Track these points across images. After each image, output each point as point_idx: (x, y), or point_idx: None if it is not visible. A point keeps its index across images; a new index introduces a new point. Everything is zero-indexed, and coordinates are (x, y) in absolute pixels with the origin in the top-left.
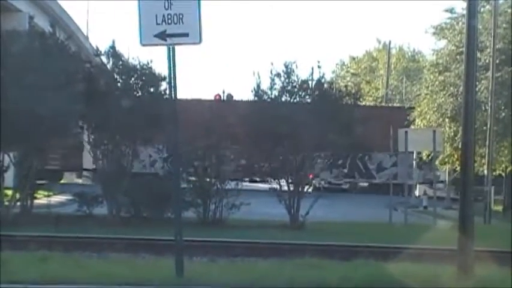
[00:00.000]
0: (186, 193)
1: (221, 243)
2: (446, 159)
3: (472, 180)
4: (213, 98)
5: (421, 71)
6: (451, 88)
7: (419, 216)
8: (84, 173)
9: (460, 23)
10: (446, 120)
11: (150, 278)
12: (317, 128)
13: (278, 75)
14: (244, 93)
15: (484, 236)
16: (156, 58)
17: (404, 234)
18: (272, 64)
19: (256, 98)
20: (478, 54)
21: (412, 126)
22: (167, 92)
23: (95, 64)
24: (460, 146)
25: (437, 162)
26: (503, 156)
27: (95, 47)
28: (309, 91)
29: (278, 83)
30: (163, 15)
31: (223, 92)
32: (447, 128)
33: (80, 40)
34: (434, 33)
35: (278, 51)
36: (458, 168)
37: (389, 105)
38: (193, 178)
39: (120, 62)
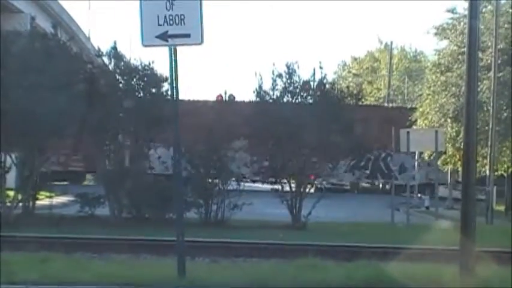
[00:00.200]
0: (187, 193)
1: (223, 243)
2: (448, 160)
3: (474, 180)
4: (214, 98)
5: (423, 71)
6: (453, 88)
7: (422, 216)
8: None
9: (462, 23)
10: (448, 120)
11: (152, 278)
12: (319, 129)
13: (280, 75)
14: (246, 94)
15: (486, 236)
16: (158, 59)
17: (407, 234)
18: (274, 65)
19: (258, 99)
20: (480, 55)
21: (414, 127)
22: (169, 92)
23: (97, 65)
24: (462, 146)
25: (439, 163)
26: (505, 156)
27: (96, 48)
28: (310, 92)
29: (280, 84)
30: (165, 16)
31: (225, 93)
32: (449, 129)
33: (82, 41)
34: (436, 34)
35: (280, 51)
36: (460, 169)
37: (391, 105)
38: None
39: (122, 63)
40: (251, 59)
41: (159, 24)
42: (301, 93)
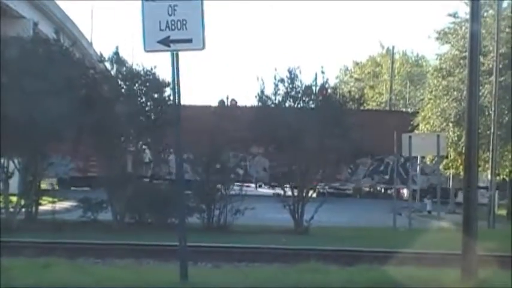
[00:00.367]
0: (190, 198)
1: (225, 248)
2: (450, 164)
3: (476, 184)
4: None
5: (424, 75)
6: (455, 93)
7: (424, 220)
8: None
9: (464, 28)
10: (450, 124)
11: (154, 283)
12: (320, 134)
13: (282, 80)
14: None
15: (487, 240)
16: (159, 64)
17: (409, 238)
18: (276, 70)
19: (260, 104)
20: (481, 59)
21: (416, 131)
22: (171, 97)
23: (99, 70)
24: (463, 151)
25: (441, 167)
26: (507, 160)
27: (98, 53)
28: (312, 96)
29: (282, 89)
30: (167, 21)
31: (227, 98)
32: (451, 133)
33: (84, 46)
34: (437, 38)
35: (282, 56)
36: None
37: (393, 109)
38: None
39: (124, 68)
40: (253, 64)
41: (160, 30)
42: (303, 98)
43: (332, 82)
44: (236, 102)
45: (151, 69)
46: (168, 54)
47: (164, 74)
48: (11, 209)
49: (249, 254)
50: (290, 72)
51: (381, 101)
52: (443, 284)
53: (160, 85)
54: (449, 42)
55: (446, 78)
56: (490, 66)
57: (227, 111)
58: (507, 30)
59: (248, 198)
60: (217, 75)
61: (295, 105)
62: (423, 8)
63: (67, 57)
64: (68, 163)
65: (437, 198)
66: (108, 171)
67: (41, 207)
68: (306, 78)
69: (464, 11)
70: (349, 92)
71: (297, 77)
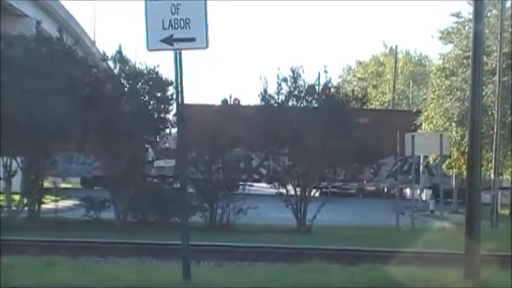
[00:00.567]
0: (193, 197)
1: (228, 247)
2: (453, 164)
3: (479, 184)
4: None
5: (427, 75)
6: (458, 92)
7: (426, 220)
8: None
9: (467, 28)
10: (453, 124)
11: (157, 282)
12: (323, 133)
13: (285, 80)
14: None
15: (490, 240)
16: (162, 62)
17: (411, 238)
18: (279, 69)
19: (263, 103)
20: (485, 59)
21: (419, 131)
22: (174, 96)
23: (102, 69)
24: (466, 150)
25: (444, 167)
26: (510, 160)
27: (101, 52)
28: (315, 96)
29: (285, 88)
30: (170, 20)
31: (230, 97)
32: (454, 133)
33: (87, 45)
34: (440, 38)
35: (285, 56)
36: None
37: (396, 109)
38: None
39: (127, 67)
40: (256, 63)
41: (164, 28)
42: (306, 98)
43: (335, 81)
44: (239, 102)
45: (155, 68)
46: (171, 53)
47: (167, 72)
48: (14, 208)
49: (252, 253)
50: (293, 71)
51: (384, 101)
52: (446, 284)
53: (163, 84)
54: (453, 42)
55: (449, 78)
56: (493, 66)
57: (230, 110)
58: (510, 30)
59: (250, 197)
60: (220, 74)
61: (298, 105)
62: (426, 7)
63: (70, 56)
64: (92, 162)
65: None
66: (110, 170)
67: (43, 206)
68: (309, 78)
69: (467, 10)
70: (352, 91)
71: (300, 76)
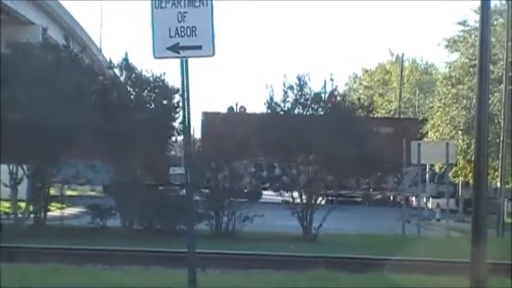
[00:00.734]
0: (199, 205)
1: (234, 255)
2: (459, 172)
3: (486, 193)
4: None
5: (434, 83)
6: (464, 101)
7: (432, 228)
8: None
9: (473, 36)
10: (459, 132)
11: None
12: (330, 141)
13: (291, 87)
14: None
15: (497, 248)
16: (169, 70)
17: (417, 246)
18: (285, 77)
19: (269, 111)
20: (491, 67)
21: (425, 139)
22: (180, 104)
23: (108, 77)
24: (473, 159)
25: (450, 175)
26: None
27: (108, 60)
28: (321, 104)
29: (291, 96)
30: (177, 28)
31: (236, 105)
32: (460, 141)
33: (93, 52)
34: (447, 46)
35: (291, 63)
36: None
37: (402, 117)
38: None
39: (133, 75)
40: (262, 70)
41: (170, 36)
42: (312, 105)
43: (341, 89)
44: (245, 109)
45: (161, 75)
46: (178, 60)
47: (173, 80)
48: (20, 215)
49: (258, 261)
50: (299, 79)
51: (390, 109)
52: None
53: (169, 92)
54: (459, 50)
55: (455, 86)
56: (500, 74)
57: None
58: None
59: (256, 205)
60: (226, 82)
61: (304, 113)
62: (432, 16)
63: (76, 64)
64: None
65: (446, 206)
66: (116, 177)
67: (49, 213)
68: (315, 86)
69: (473, 19)
70: (359, 99)
71: (306, 84)
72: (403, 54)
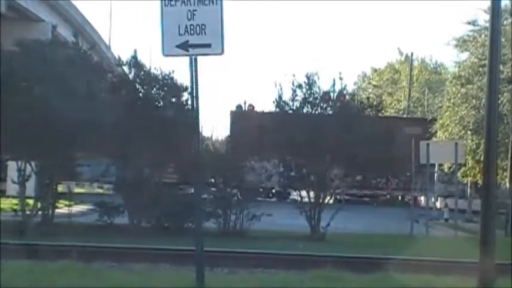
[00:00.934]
0: (206, 204)
1: (242, 254)
2: (468, 172)
3: (495, 193)
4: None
5: (443, 83)
6: (473, 101)
7: (441, 228)
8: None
9: (483, 36)
10: (468, 132)
11: None
12: (338, 140)
13: (300, 86)
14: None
15: (505, 248)
16: (178, 67)
17: (425, 246)
18: (294, 75)
19: (277, 109)
20: (501, 67)
21: (434, 139)
22: (189, 102)
23: (117, 74)
24: (482, 159)
25: (459, 175)
26: None
27: (117, 57)
28: (330, 103)
29: (300, 94)
30: (186, 26)
31: (244, 103)
32: (469, 141)
33: (102, 50)
34: (456, 46)
35: (300, 62)
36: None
37: (411, 116)
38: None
39: (142, 72)
40: (271, 69)
41: (180, 34)
42: (321, 104)
43: (350, 88)
44: (253, 108)
45: (170, 73)
46: (187, 58)
47: (182, 78)
48: (28, 212)
49: (265, 259)
50: (308, 78)
51: (399, 108)
52: None
53: (178, 89)
54: (468, 50)
55: (465, 86)
56: (509, 74)
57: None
58: None
59: (264, 204)
60: (235, 80)
61: (313, 112)
62: (442, 15)
63: (85, 61)
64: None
65: (455, 206)
66: (124, 175)
67: (57, 210)
68: (324, 84)
69: (483, 19)
70: (368, 98)
71: (315, 82)
72: (412, 54)
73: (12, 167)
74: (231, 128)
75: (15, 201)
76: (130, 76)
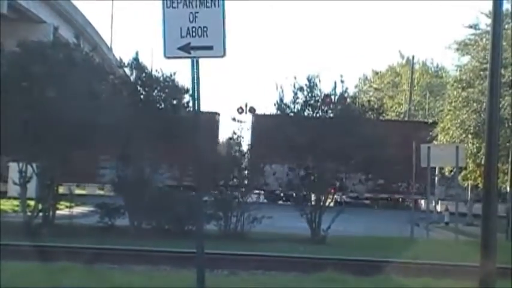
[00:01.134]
0: (207, 206)
1: (242, 256)
2: (469, 175)
3: (496, 196)
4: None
5: (444, 86)
6: (474, 104)
7: (441, 232)
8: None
9: (484, 39)
10: (469, 136)
11: None
12: (339, 142)
13: (301, 89)
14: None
15: (506, 252)
16: (179, 69)
17: (426, 249)
18: (295, 78)
19: (278, 112)
20: (502, 71)
21: (435, 142)
22: (190, 104)
23: (119, 76)
24: (482, 162)
25: (459, 178)
26: None
27: (118, 59)
28: (331, 105)
29: (301, 97)
30: (188, 28)
31: (246, 105)
32: (470, 144)
33: (104, 51)
34: (457, 49)
35: (301, 65)
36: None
37: (412, 119)
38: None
39: (144, 74)
40: (272, 71)
41: (181, 36)
42: (322, 107)
43: (351, 91)
44: (255, 110)
45: (171, 75)
46: (188, 60)
47: (183, 80)
48: (29, 213)
49: (266, 262)
50: (309, 80)
51: (400, 111)
52: None
53: (179, 91)
54: (470, 54)
55: (466, 90)
56: (510, 78)
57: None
58: None
59: (265, 206)
60: (235, 82)
61: (314, 114)
62: (443, 18)
63: (87, 62)
64: (164, 172)
65: (455, 209)
66: (125, 177)
67: (58, 212)
68: (325, 87)
69: (485, 23)
70: (369, 101)
71: (316, 85)
72: (413, 57)
73: (13, 168)
74: (252, 131)
75: (16, 202)
76: (132, 78)
